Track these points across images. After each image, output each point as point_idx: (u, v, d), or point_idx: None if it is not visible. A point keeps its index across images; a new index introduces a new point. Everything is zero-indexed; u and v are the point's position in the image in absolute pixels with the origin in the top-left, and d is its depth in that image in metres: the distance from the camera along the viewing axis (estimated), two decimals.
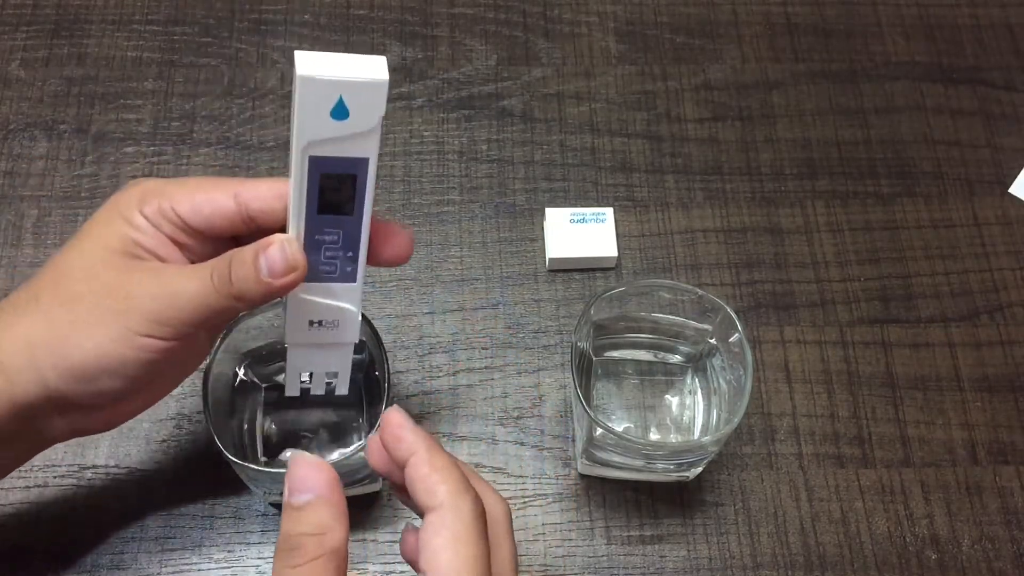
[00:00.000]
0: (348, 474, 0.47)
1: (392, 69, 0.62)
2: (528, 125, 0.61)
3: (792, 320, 0.56)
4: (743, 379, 0.46)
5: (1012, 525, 0.51)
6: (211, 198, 0.37)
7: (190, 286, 0.36)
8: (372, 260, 0.39)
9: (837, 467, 0.52)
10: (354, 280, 0.39)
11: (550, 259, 0.56)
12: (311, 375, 0.42)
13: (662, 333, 0.52)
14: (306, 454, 0.33)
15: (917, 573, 0.50)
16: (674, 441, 0.51)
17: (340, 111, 0.34)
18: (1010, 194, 0.61)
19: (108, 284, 0.36)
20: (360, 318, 0.40)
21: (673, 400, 0.52)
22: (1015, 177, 0.61)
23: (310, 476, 0.32)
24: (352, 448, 0.44)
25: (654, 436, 0.51)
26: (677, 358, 0.53)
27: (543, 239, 0.58)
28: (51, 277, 0.37)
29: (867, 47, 0.65)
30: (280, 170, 0.60)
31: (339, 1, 0.65)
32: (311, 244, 0.37)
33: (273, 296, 0.36)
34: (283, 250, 0.35)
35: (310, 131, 0.34)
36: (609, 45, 0.64)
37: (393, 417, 0.33)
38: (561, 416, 0.53)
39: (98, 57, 0.62)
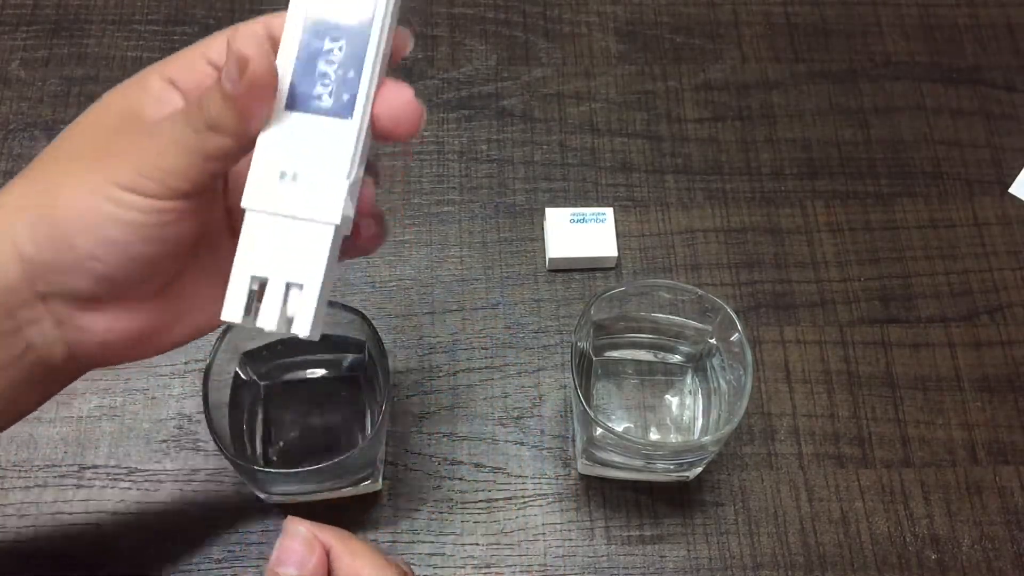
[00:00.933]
0: (348, 474, 0.47)
1: (391, 69, 0.62)
2: (528, 125, 0.61)
3: (792, 320, 0.56)
4: (743, 379, 0.46)
5: (1012, 525, 0.51)
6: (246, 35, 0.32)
7: (167, 126, 0.30)
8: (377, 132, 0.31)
9: (837, 467, 0.52)
10: (349, 115, 0.30)
11: (550, 259, 0.56)
12: (261, 287, 0.31)
13: (662, 333, 0.52)
14: (303, 526, 0.32)
15: (917, 573, 0.50)
16: (674, 441, 0.51)
17: None
18: (1010, 194, 0.61)
19: (96, 139, 0.32)
20: (350, 188, 0.30)
21: (673, 400, 0.52)
22: (1015, 177, 0.61)
23: (299, 553, 0.32)
24: (354, 450, 0.44)
25: (654, 436, 0.51)
26: (677, 358, 0.53)
27: (543, 239, 0.58)
28: (53, 142, 0.33)
29: (867, 47, 0.65)
30: None
31: None
32: (307, 52, 0.30)
33: (247, 122, 0.29)
34: (248, 43, 0.28)
35: None
36: (609, 45, 0.64)
37: (296, 528, 0.32)
38: (561, 416, 0.53)
39: (98, 57, 0.62)
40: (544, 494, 0.51)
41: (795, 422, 0.53)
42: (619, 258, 0.57)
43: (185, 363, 0.53)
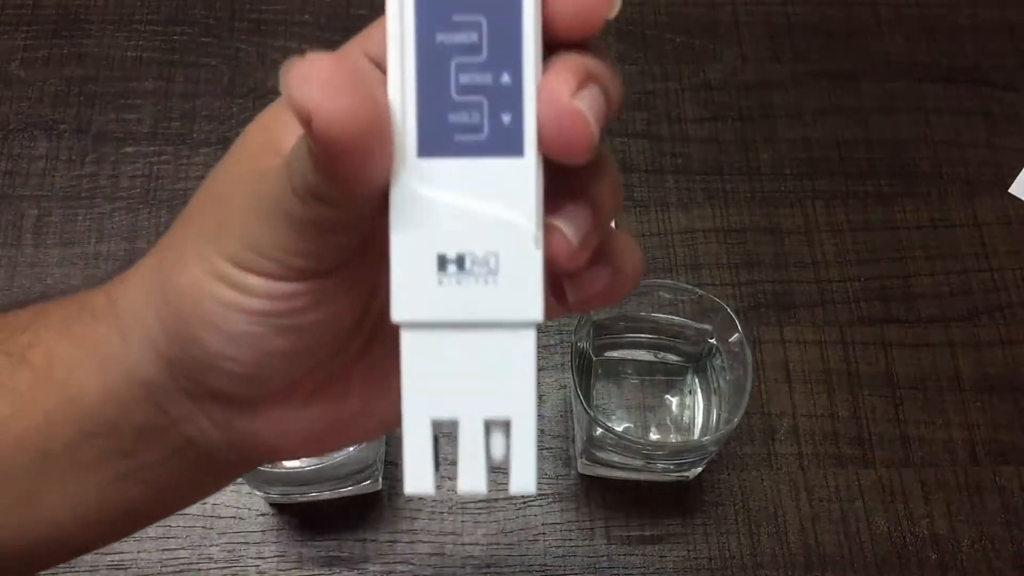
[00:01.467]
0: (348, 474, 0.47)
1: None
2: None
3: (792, 320, 0.56)
4: (743, 379, 0.46)
5: (1012, 525, 0.51)
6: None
7: (272, 189, 0.22)
8: (553, 30, 0.21)
9: (837, 467, 0.52)
10: (519, 150, 0.20)
11: None
12: (448, 430, 0.22)
13: (662, 333, 0.52)
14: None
15: (917, 573, 0.50)
16: (674, 441, 0.51)
17: None
18: (1010, 194, 0.61)
19: (223, 195, 0.24)
20: (542, 257, 0.21)
21: (673, 400, 0.52)
22: (1015, 177, 0.61)
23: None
24: (354, 450, 0.44)
25: (654, 436, 0.51)
26: (677, 358, 0.53)
27: None
28: (197, 193, 0.26)
29: (867, 47, 0.65)
30: None
31: (339, 1, 0.65)
32: (429, 57, 0.20)
33: (348, 190, 0.20)
34: (311, 74, 0.19)
35: None
36: (609, 44, 0.64)
37: None
38: (561, 416, 0.53)
39: (98, 57, 0.62)
40: (544, 494, 0.51)
41: (795, 422, 0.53)
42: None
43: None
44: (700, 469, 0.50)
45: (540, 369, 0.54)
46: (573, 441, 0.52)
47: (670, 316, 0.51)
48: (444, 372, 0.21)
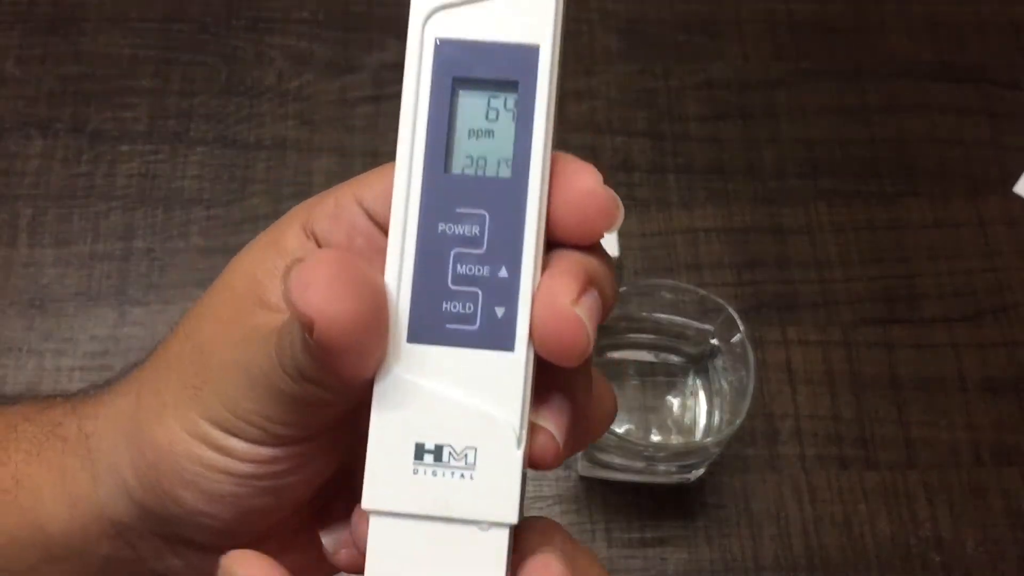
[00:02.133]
0: None
1: (391, 67, 0.62)
2: None
3: (795, 320, 0.56)
4: (745, 380, 0.46)
5: (1016, 527, 0.51)
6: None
7: (260, 363, 0.22)
8: (552, 232, 0.21)
9: (840, 469, 0.52)
10: (510, 345, 0.20)
11: None
12: None
13: (664, 333, 0.51)
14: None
15: None
16: (676, 443, 0.51)
17: None
18: (1015, 193, 0.60)
19: (203, 345, 0.23)
20: (523, 457, 0.20)
21: (675, 401, 0.52)
22: (1020, 176, 0.61)
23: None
24: None
25: (655, 438, 0.51)
26: (679, 359, 0.52)
27: None
28: (174, 330, 0.25)
29: (871, 45, 0.64)
30: (277, 168, 0.59)
31: None
32: (427, 247, 0.20)
33: (340, 376, 0.20)
34: (315, 280, 0.19)
35: None
36: (610, 43, 0.63)
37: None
38: None
39: (94, 55, 0.62)
40: (544, 496, 0.51)
41: (798, 423, 0.53)
42: (620, 258, 0.57)
43: None
44: (702, 471, 0.50)
45: None
46: None
47: (671, 316, 0.50)
48: (410, 564, 0.20)
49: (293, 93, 0.61)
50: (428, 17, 0.21)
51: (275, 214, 0.57)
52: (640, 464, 0.48)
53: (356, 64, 0.62)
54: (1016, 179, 0.61)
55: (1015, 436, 0.53)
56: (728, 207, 0.59)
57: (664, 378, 0.52)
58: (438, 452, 0.20)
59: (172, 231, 0.57)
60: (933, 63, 0.64)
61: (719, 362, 0.50)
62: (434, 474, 0.20)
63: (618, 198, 0.21)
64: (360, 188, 0.23)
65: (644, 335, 0.52)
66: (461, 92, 0.21)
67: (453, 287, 0.20)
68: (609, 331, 0.51)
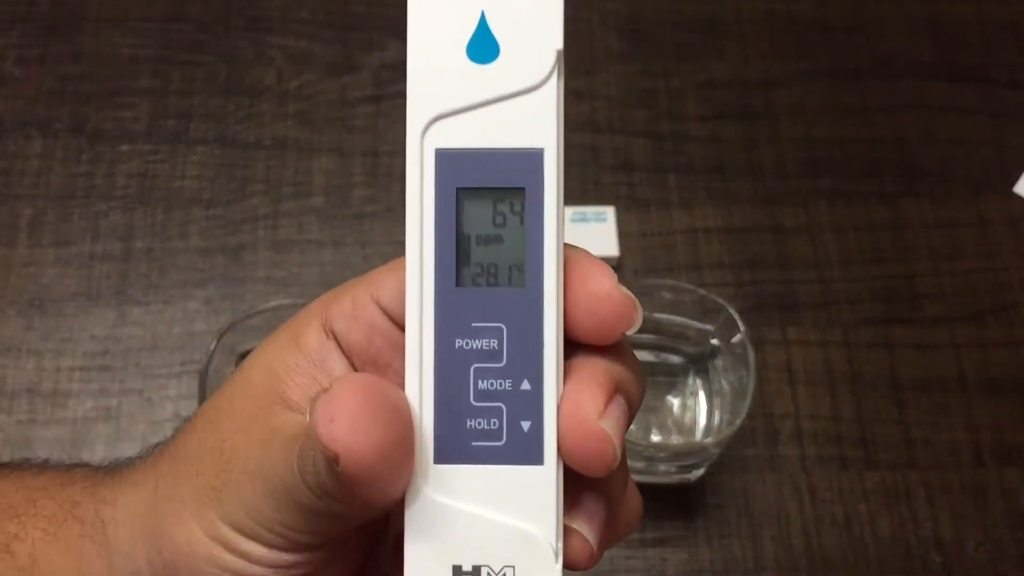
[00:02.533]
0: None
1: (391, 67, 0.62)
2: None
3: (795, 320, 0.55)
4: (745, 380, 0.46)
5: (1017, 528, 0.51)
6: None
7: (281, 473, 0.21)
8: (570, 335, 0.21)
9: (840, 469, 0.52)
10: (539, 459, 0.20)
11: None
12: None
13: (664, 333, 0.51)
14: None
15: None
16: (676, 443, 0.51)
17: (484, 43, 0.20)
18: (1015, 193, 0.60)
19: (223, 449, 0.23)
20: (560, 571, 0.20)
21: (675, 401, 0.52)
22: (1020, 176, 0.60)
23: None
24: None
25: (656, 438, 0.51)
26: (679, 359, 0.52)
27: None
28: (193, 420, 0.25)
29: (871, 45, 0.64)
30: (277, 168, 0.59)
31: None
32: (446, 364, 0.20)
33: (366, 500, 0.20)
34: (341, 414, 0.19)
35: (434, 90, 0.20)
36: (611, 42, 0.63)
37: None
38: None
39: (94, 55, 0.62)
40: None
41: (798, 424, 0.53)
42: (620, 258, 0.57)
43: (181, 364, 0.53)
44: (702, 471, 0.50)
45: None
46: None
47: (672, 316, 0.50)
48: None
49: (293, 93, 0.61)
50: (427, 127, 0.20)
51: (275, 214, 0.58)
52: (640, 464, 0.48)
53: (356, 64, 0.62)
54: (1016, 179, 0.60)
55: (1016, 436, 0.53)
56: (728, 207, 0.59)
57: (664, 378, 0.52)
58: (476, 573, 0.20)
59: (172, 231, 0.57)
60: (933, 63, 0.64)
61: (719, 362, 0.50)
62: None
63: (635, 299, 0.21)
64: (376, 286, 0.23)
65: (644, 335, 0.52)
66: (466, 201, 0.20)
67: (476, 403, 0.20)
68: None
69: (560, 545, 0.20)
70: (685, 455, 0.48)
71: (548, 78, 0.20)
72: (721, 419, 0.49)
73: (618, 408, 0.20)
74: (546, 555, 0.20)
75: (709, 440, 0.47)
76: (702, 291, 0.48)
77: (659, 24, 0.64)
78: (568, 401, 0.20)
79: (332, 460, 0.19)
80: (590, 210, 0.57)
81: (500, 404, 0.20)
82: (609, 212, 0.57)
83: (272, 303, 0.49)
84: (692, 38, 0.64)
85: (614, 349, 0.21)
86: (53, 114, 0.60)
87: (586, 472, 0.20)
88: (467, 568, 0.20)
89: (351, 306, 0.23)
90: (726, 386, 0.49)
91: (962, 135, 0.62)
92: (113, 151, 0.59)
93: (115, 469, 0.27)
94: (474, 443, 0.20)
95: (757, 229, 0.58)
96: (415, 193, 0.20)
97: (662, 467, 0.49)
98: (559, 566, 0.20)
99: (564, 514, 0.21)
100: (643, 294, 0.49)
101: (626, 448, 0.24)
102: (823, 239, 0.58)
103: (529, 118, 0.20)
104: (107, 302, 0.55)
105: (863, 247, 0.58)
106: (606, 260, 0.57)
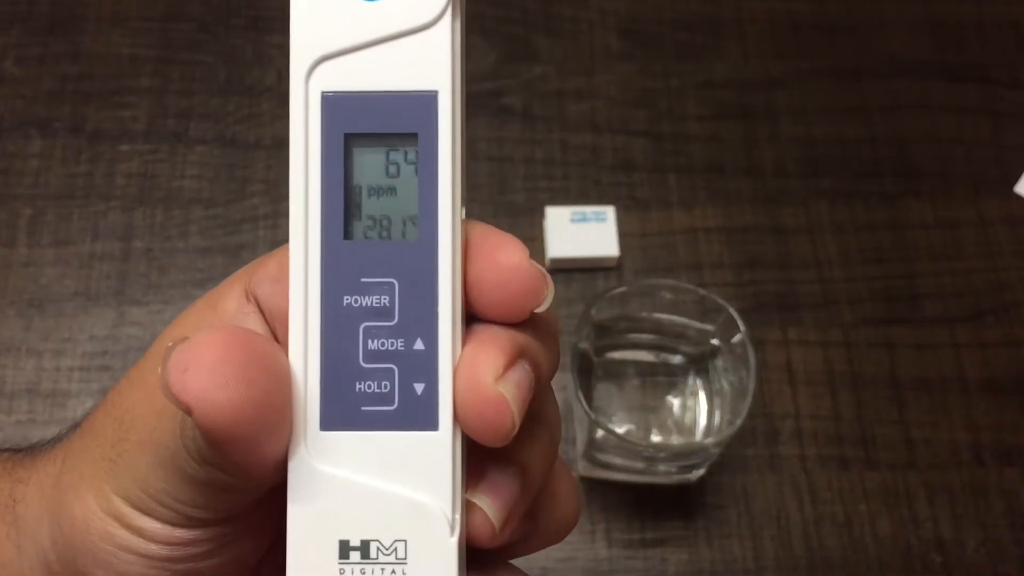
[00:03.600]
0: None
1: None
2: (528, 123, 0.61)
3: (795, 320, 0.55)
4: (746, 380, 0.46)
5: (1017, 528, 0.51)
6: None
7: (168, 442, 0.20)
8: (476, 311, 0.20)
9: (841, 469, 0.52)
10: (434, 423, 0.19)
11: (551, 259, 0.56)
12: None
13: (664, 334, 0.51)
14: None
15: None
16: (676, 443, 0.50)
17: None
18: (1016, 193, 0.60)
19: (123, 419, 0.22)
20: (458, 542, 0.19)
21: (675, 401, 0.51)
22: (1020, 176, 0.60)
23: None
24: None
25: (656, 438, 0.51)
26: (679, 359, 0.52)
27: (543, 238, 0.57)
28: (107, 394, 0.24)
29: (871, 44, 0.64)
30: (277, 167, 0.59)
31: None
32: (333, 323, 0.19)
33: (245, 465, 0.19)
34: (195, 362, 0.18)
35: (320, 29, 0.19)
36: (610, 42, 0.63)
37: None
38: (561, 418, 0.53)
39: (93, 54, 0.61)
40: None
41: (798, 424, 0.53)
42: (620, 258, 0.57)
43: None
44: (702, 471, 0.50)
45: None
46: (574, 443, 0.52)
47: (672, 316, 0.50)
48: None
49: None
50: (312, 69, 0.19)
51: (274, 214, 0.58)
52: (640, 464, 0.48)
53: None
54: (1016, 179, 0.60)
55: (1016, 436, 0.53)
56: (728, 207, 0.59)
57: (664, 378, 0.52)
58: (365, 548, 0.19)
59: (171, 231, 0.57)
60: (933, 63, 0.64)
61: (719, 362, 0.50)
62: (362, 572, 0.18)
63: (547, 275, 0.20)
64: (253, 279, 0.21)
65: (644, 335, 0.52)
66: (356, 149, 0.19)
67: (365, 365, 0.19)
68: (609, 331, 0.51)
69: (457, 517, 0.19)
70: (685, 455, 0.48)
71: (441, 16, 0.18)
72: (721, 419, 0.49)
73: (520, 372, 0.19)
74: (440, 527, 0.18)
75: (709, 440, 0.46)
76: (702, 291, 0.48)
77: (659, 24, 0.64)
78: (465, 362, 0.19)
79: (185, 413, 0.17)
80: (590, 210, 0.56)
81: (391, 365, 0.19)
82: (609, 212, 0.57)
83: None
84: (692, 38, 0.64)
85: (524, 323, 0.20)
86: (52, 114, 0.60)
87: (482, 440, 0.19)
88: (355, 543, 0.18)
89: (276, 269, 0.21)
90: (726, 386, 0.49)
91: (962, 135, 0.61)
92: (112, 151, 0.59)
93: (36, 449, 0.26)
94: (363, 407, 0.19)
95: (757, 229, 0.58)
96: (299, 140, 0.19)
97: (662, 467, 0.49)
98: (455, 539, 0.19)
99: (467, 487, 0.19)
100: (643, 294, 0.49)
101: (575, 483, 0.22)
102: (823, 239, 0.58)
103: (422, 59, 0.19)
104: (106, 302, 0.55)
105: (863, 247, 0.58)
106: (606, 260, 0.57)
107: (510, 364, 0.19)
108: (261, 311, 0.21)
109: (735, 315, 0.46)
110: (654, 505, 0.51)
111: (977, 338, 0.55)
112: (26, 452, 0.26)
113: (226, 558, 0.22)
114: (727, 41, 0.64)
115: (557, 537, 0.22)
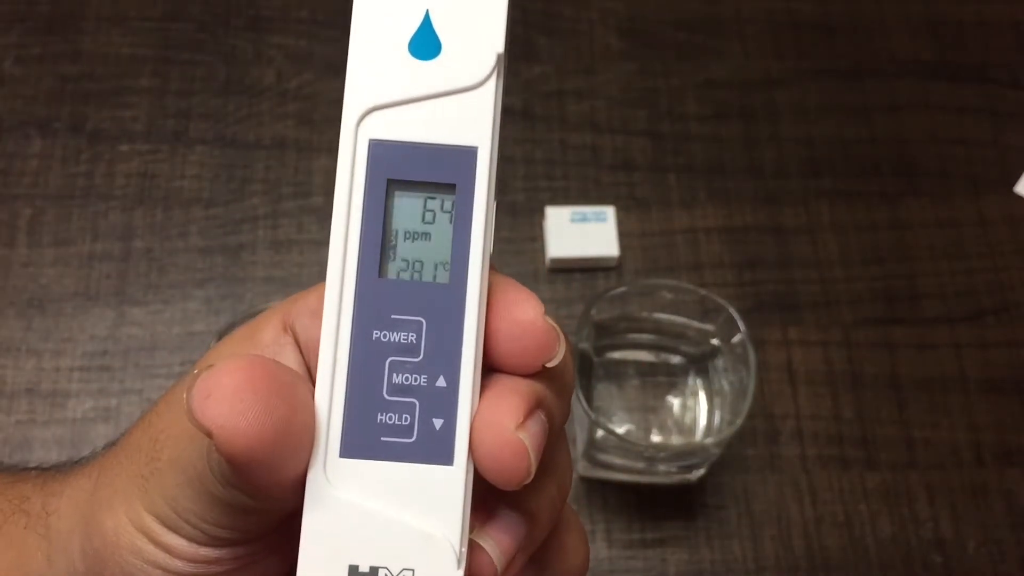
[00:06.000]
0: None
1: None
2: (528, 123, 0.61)
3: (796, 320, 0.55)
4: (746, 380, 0.46)
5: (1018, 528, 0.51)
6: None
7: (195, 464, 0.21)
8: (490, 361, 0.21)
9: (841, 469, 0.52)
10: (448, 459, 0.20)
11: (551, 259, 0.56)
12: None
13: (664, 334, 0.51)
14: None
15: None
16: (676, 443, 0.50)
17: (426, 40, 0.20)
18: (1016, 193, 0.60)
19: (158, 439, 0.23)
20: (462, 568, 0.20)
21: (675, 401, 0.51)
22: (1021, 175, 0.60)
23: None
24: None
25: (656, 438, 0.51)
26: (679, 359, 0.52)
27: (543, 238, 0.57)
28: (145, 414, 0.25)
29: (871, 44, 0.64)
30: (277, 168, 0.59)
31: None
32: (361, 355, 0.20)
33: (264, 490, 0.20)
34: (217, 390, 0.19)
35: (373, 82, 0.20)
36: (610, 42, 0.63)
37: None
38: None
39: (93, 54, 0.61)
40: None
41: (798, 424, 0.53)
42: (620, 258, 0.57)
43: (181, 364, 0.53)
44: (702, 471, 0.50)
45: None
46: (574, 443, 0.52)
47: (672, 316, 0.50)
48: None
49: (292, 93, 0.61)
50: (362, 117, 0.20)
51: (274, 214, 0.58)
52: (640, 464, 0.48)
53: None
54: (1016, 179, 0.60)
55: (1016, 436, 0.53)
56: (729, 207, 0.58)
57: (664, 378, 0.52)
58: (373, 574, 0.19)
59: (171, 231, 0.57)
60: (933, 63, 0.64)
61: (719, 362, 0.50)
62: None
63: (560, 331, 0.21)
64: (291, 314, 0.22)
65: (644, 335, 0.52)
66: (396, 193, 0.20)
67: (388, 397, 0.19)
68: (609, 331, 0.51)
69: (464, 551, 0.19)
70: (685, 455, 0.48)
71: (487, 79, 0.20)
72: (721, 419, 0.49)
73: (537, 423, 0.20)
74: (448, 559, 0.19)
75: (709, 440, 0.46)
76: (702, 291, 0.48)
77: (659, 24, 0.64)
78: (486, 407, 0.20)
79: (208, 437, 0.18)
80: (590, 210, 0.56)
81: (413, 400, 0.19)
82: (609, 212, 0.56)
83: (272, 303, 0.49)
84: (692, 38, 0.64)
85: (539, 374, 0.21)
86: (52, 114, 0.59)
87: (497, 482, 0.20)
88: (364, 568, 0.19)
89: (316, 303, 0.22)
90: (726, 386, 0.49)
91: (962, 135, 0.61)
92: (112, 151, 0.59)
93: (68, 466, 0.26)
94: (383, 438, 0.19)
95: (757, 229, 0.58)
96: (345, 181, 0.20)
97: (662, 467, 0.49)
98: (461, 572, 0.19)
99: (474, 527, 0.20)
100: (643, 294, 0.49)
101: (584, 535, 0.23)
102: (823, 239, 0.58)
103: (465, 116, 0.20)
104: (106, 302, 0.55)
105: (863, 247, 0.58)
106: (606, 260, 0.57)
107: (529, 413, 0.20)
108: (298, 343, 0.22)
109: (735, 315, 0.46)
110: (654, 505, 0.51)
111: (977, 338, 0.55)
112: (58, 468, 0.27)
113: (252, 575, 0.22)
114: (727, 41, 0.64)
115: None
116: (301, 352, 0.22)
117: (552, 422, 0.21)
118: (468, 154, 0.20)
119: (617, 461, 0.48)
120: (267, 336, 0.22)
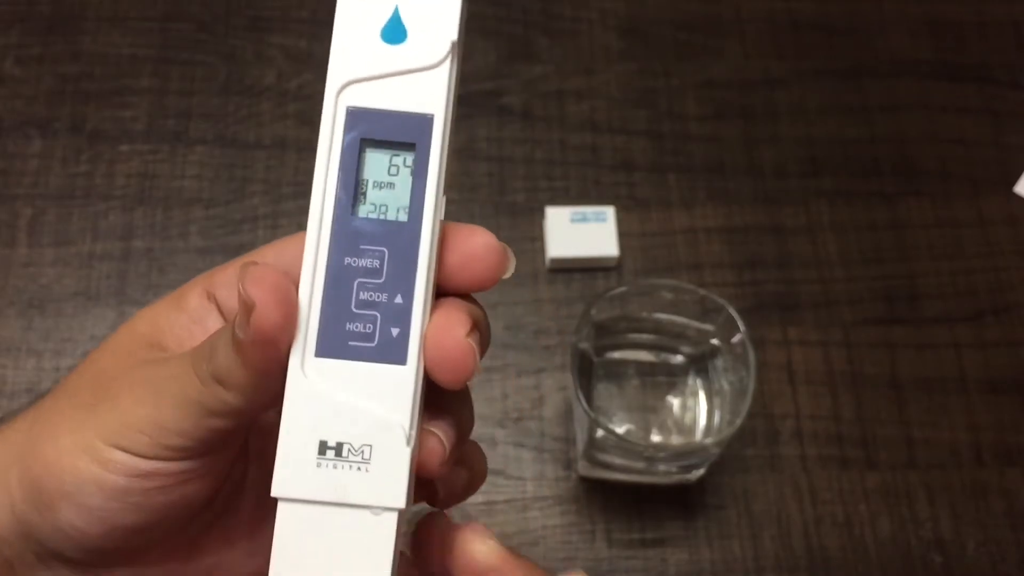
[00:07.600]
0: None
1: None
2: (528, 123, 0.61)
3: (795, 320, 0.55)
4: (746, 380, 0.46)
5: (1018, 528, 0.51)
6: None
7: (169, 368, 0.25)
8: (445, 284, 0.25)
9: (841, 469, 0.52)
10: (403, 359, 0.24)
11: (551, 259, 0.56)
12: None
13: (664, 333, 0.51)
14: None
15: None
16: (676, 443, 0.50)
17: (395, 29, 0.25)
18: (1015, 193, 0.60)
19: (102, 377, 0.26)
20: (411, 454, 0.24)
21: (675, 401, 0.51)
22: (1020, 176, 0.60)
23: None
24: None
25: (656, 438, 0.51)
26: (679, 359, 0.52)
27: (543, 238, 0.57)
28: (77, 366, 0.28)
29: (871, 44, 0.64)
30: (277, 168, 0.59)
31: None
32: (336, 276, 0.24)
33: (258, 377, 0.24)
34: (260, 280, 0.23)
35: (351, 61, 0.25)
36: (610, 42, 0.63)
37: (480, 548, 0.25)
38: (561, 418, 0.53)
39: (93, 54, 0.61)
40: (544, 497, 0.51)
41: (798, 424, 0.53)
42: (620, 258, 0.57)
43: None
44: (702, 471, 0.50)
45: (541, 370, 0.54)
46: (574, 443, 0.52)
47: (672, 316, 0.50)
48: (311, 545, 0.24)
49: (292, 93, 0.61)
50: (342, 89, 0.25)
51: (274, 214, 0.58)
52: (640, 464, 0.48)
53: None
54: (1016, 179, 0.60)
55: (1016, 436, 0.53)
56: (728, 206, 0.59)
57: (664, 378, 0.52)
58: (338, 448, 0.24)
59: (171, 231, 0.57)
60: (933, 62, 0.64)
61: (719, 362, 0.50)
62: (334, 467, 0.24)
63: (509, 248, 0.25)
64: (262, 255, 0.27)
65: (644, 335, 0.52)
66: (368, 150, 0.24)
67: (356, 310, 0.24)
68: (609, 331, 0.51)
69: (413, 434, 0.24)
70: (685, 455, 0.48)
71: (443, 61, 0.25)
72: (721, 419, 0.49)
73: (478, 336, 0.24)
74: (399, 438, 0.24)
75: (709, 440, 0.46)
76: (702, 291, 0.48)
77: (659, 24, 0.64)
78: (440, 317, 0.24)
79: (247, 310, 0.23)
80: (590, 210, 0.56)
81: (375, 312, 0.24)
82: (609, 212, 0.56)
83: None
84: (692, 38, 0.64)
85: (478, 304, 0.26)
86: (52, 114, 0.60)
87: (447, 380, 0.24)
88: (332, 443, 0.24)
89: (232, 276, 0.26)
90: (726, 386, 0.49)
91: (962, 135, 0.61)
92: (112, 151, 0.59)
93: (4, 420, 0.29)
94: (350, 342, 0.24)
95: (757, 229, 0.58)
96: (326, 140, 0.24)
97: (662, 467, 0.49)
98: (410, 448, 0.24)
99: (425, 422, 0.25)
100: (643, 294, 0.49)
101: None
102: (823, 239, 0.58)
103: (425, 90, 0.25)
104: (107, 302, 0.55)
105: (863, 247, 0.58)
106: (606, 260, 0.57)
107: (474, 327, 0.24)
108: (220, 310, 0.27)
109: (735, 315, 0.46)
110: (654, 505, 0.51)
111: (977, 338, 0.55)
112: None
113: (176, 496, 0.26)
114: (727, 41, 0.64)
115: (480, 483, 0.29)
116: (223, 316, 0.27)
117: (483, 344, 0.25)
118: (426, 120, 0.24)
119: (617, 461, 0.48)
120: (192, 302, 0.27)
